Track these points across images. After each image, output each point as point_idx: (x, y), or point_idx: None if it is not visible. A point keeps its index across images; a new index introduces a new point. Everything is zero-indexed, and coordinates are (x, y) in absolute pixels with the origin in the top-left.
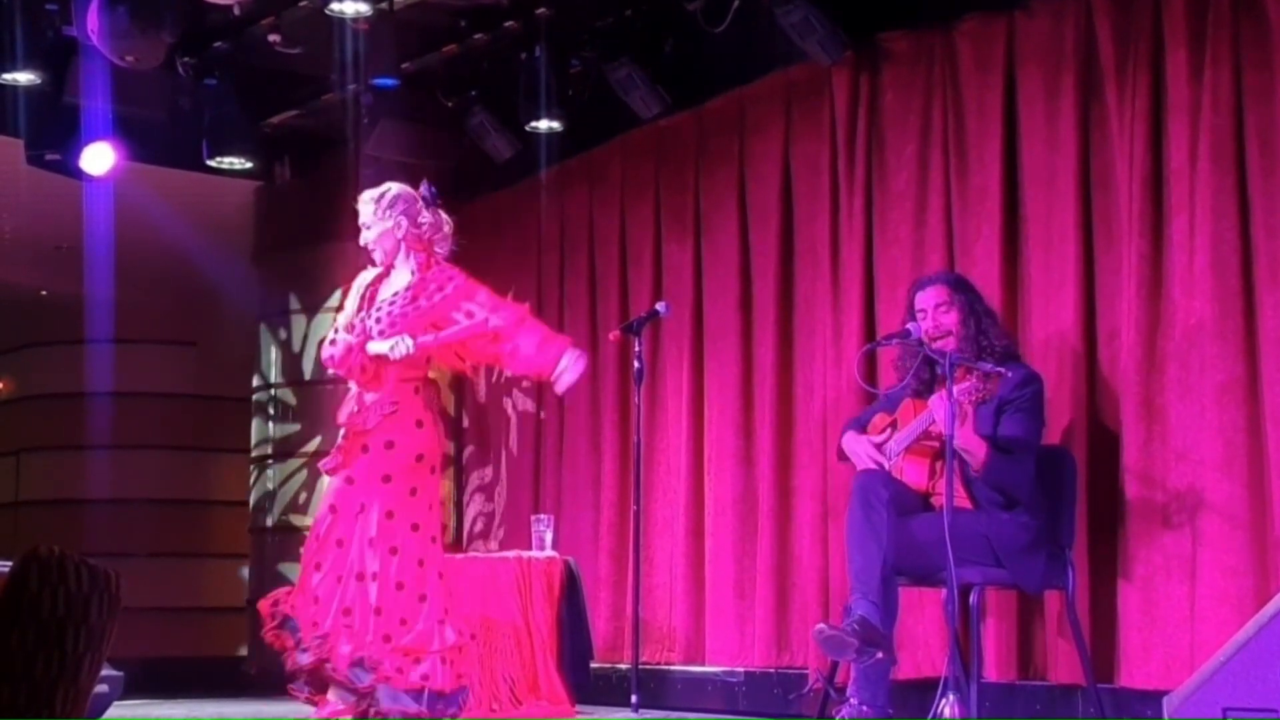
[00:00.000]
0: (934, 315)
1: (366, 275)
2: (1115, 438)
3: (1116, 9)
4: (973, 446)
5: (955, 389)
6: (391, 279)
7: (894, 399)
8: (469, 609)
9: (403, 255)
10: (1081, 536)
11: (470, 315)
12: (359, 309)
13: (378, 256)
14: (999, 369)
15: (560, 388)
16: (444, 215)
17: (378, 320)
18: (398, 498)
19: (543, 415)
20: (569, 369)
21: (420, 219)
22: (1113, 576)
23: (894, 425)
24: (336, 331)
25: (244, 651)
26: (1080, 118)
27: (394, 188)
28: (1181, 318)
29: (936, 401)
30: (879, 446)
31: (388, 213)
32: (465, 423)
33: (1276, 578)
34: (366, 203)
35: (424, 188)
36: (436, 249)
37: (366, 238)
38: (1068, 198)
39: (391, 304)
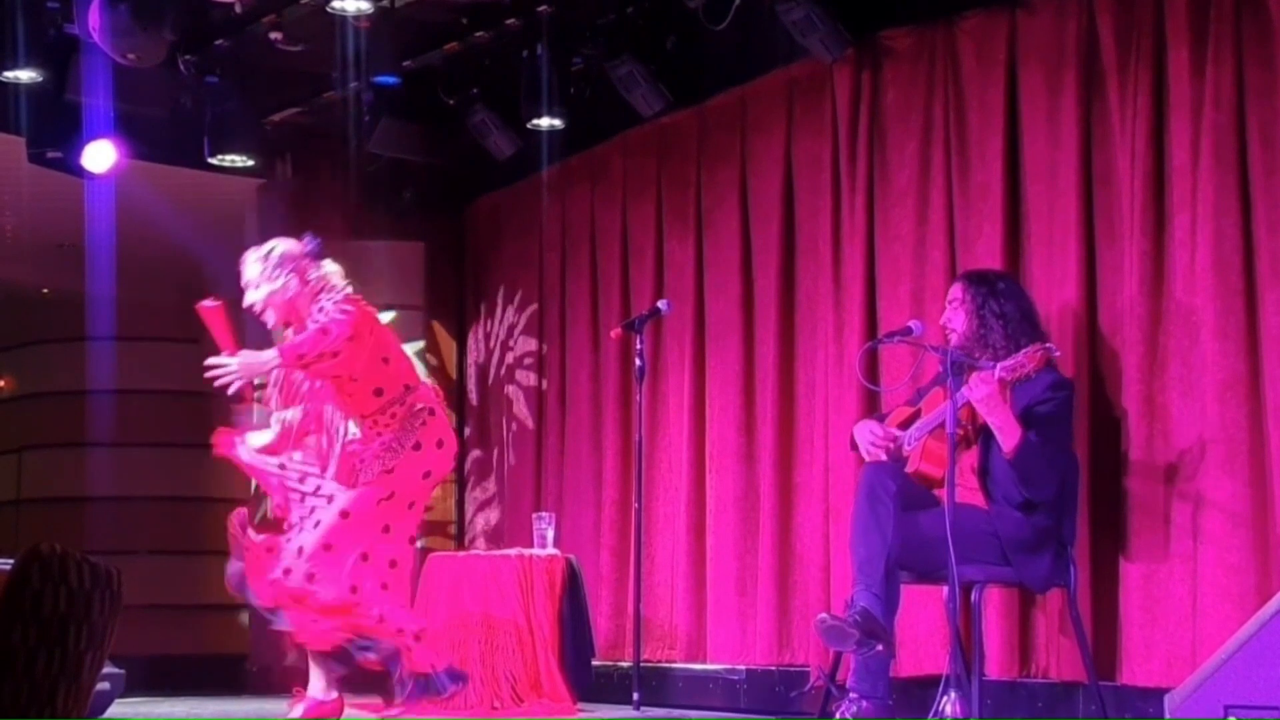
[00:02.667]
0: (948, 310)
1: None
2: (1117, 434)
3: (1118, 6)
4: (1008, 425)
5: (998, 366)
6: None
7: (922, 394)
8: (471, 606)
9: (295, 312)
10: (1083, 533)
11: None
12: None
13: (268, 317)
14: (1046, 346)
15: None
16: (332, 267)
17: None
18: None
19: (544, 413)
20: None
21: (309, 275)
22: (1114, 573)
23: (918, 415)
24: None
25: (245, 650)
26: (1082, 115)
27: (279, 245)
28: (1183, 315)
29: (974, 381)
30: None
31: (276, 272)
32: (466, 421)
33: (1278, 575)
34: (253, 262)
35: (308, 242)
36: (324, 302)
37: (253, 298)
38: (1069, 195)
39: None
